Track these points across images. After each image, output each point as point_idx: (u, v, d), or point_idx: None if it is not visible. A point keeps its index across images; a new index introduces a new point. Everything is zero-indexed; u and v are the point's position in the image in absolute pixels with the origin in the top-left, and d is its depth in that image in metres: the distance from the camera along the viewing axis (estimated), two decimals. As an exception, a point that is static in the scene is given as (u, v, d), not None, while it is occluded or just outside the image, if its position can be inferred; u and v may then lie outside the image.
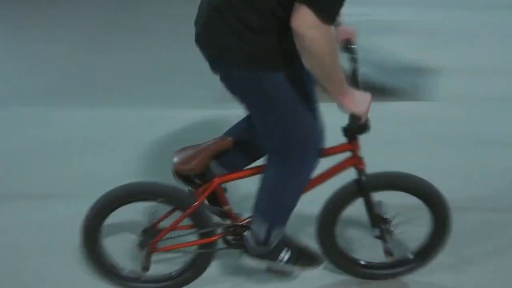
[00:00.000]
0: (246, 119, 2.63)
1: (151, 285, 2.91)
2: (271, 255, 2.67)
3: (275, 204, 2.49)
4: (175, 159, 2.57)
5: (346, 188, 2.65)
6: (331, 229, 2.77)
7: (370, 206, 2.65)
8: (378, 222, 2.69)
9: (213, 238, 2.75)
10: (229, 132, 2.66)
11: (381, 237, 2.71)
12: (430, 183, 2.65)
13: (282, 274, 2.76)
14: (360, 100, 2.18)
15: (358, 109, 2.18)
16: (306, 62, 1.99)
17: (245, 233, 2.69)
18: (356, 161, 2.53)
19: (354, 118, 2.21)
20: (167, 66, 6.61)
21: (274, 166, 2.41)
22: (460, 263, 3.10)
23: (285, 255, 2.70)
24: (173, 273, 2.93)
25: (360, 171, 2.55)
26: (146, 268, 2.76)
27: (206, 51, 2.26)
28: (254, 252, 2.65)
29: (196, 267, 2.87)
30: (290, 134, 2.31)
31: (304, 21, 1.85)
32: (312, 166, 2.44)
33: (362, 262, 2.97)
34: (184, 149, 2.60)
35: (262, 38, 2.08)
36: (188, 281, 2.91)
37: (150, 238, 2.76)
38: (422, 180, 2.65)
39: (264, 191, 2.48)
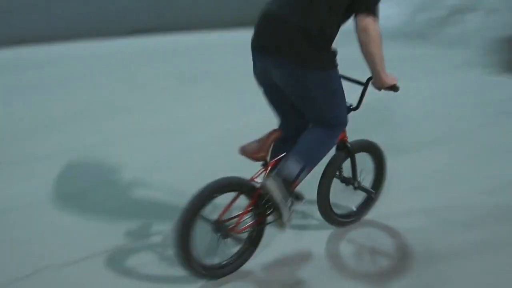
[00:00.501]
0: (284, 121, 3.68)
1: (227, 269, 3.58)
2: (287, 194, 3.42)
3: (313, 153, 3.47)
4: (245, 147, 3.41)
5: (339, 154, 3.88)
6: (328, 186, 3.90)
7: (354, 164, 3.96)
8: (356, 176, 3.98)
9: (267, 213, 3.56)
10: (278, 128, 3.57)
11: (357, 186, 4.03)
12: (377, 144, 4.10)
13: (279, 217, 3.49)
14: (392, 75, 3.44)
15: (394, 80, 3.45)
16: (367, 48, 3.21)
17: (279, 166, 3.48)
18: (344, 135, 3.80)
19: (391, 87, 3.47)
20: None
21: (319, 131, 3.48)
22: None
23: (290, 201, 3.49)
24: (234, 255, 3.63)
25: (346, 141, 3.84)
26: (240, 241, 3.55)
27: (282, 59, 3.23)
28: (281, 184, 3.37)
29: (253, 242, 3.62)
30: (338, 113, 3.47)
31: (370, 21, 3.15)
32: (339, 135, 3.61)
33: (338, 213, 4.10)
34: (249, 143, 3.41)
35: (329, 45, 3.23)
36: (251, 254, 3.65)
37: (226, 226, 3.42)
38: (373, 143, 4.09)
39: (308, 142, 3.47)
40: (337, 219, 4.10)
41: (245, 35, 4.06)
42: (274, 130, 3.44)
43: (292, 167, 3.40)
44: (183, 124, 6.70)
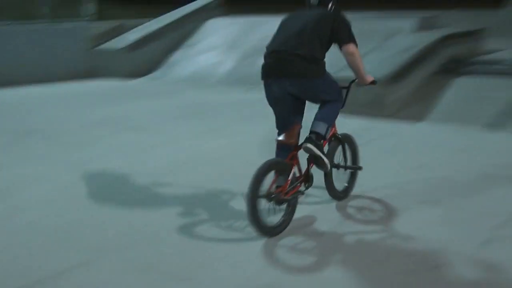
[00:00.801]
0: (299, 118, 5.09)
1: (281, 227, 4.84)
2: (321, 148, 4.97)
3: (332, 116, 5.11)
4: (281, 138, 4.93)
5: (332, 144, 5.39)
6: (331, 171, 5.38)
7: (344, 150, 5.58)
8: (346, 159, 5.60)
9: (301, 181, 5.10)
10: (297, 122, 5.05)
11: (347, 167, 5.61)
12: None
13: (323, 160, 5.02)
14: (370, 76, 5.21)
15: (372, 78, 5.24)
16: (354, 63, 4.97)
17: (311, 134, 4.97)
18: (335, 130, 5.41)
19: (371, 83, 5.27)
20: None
21: (332, 104, 5.08)
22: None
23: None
24: (283, 216, 4.90)
25: (337, 133, 5.43)
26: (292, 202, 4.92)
27: (295, 78, 4.88)
28: (314, 142, 4.90)
29: (293, 206, 4.96)
30: (335, 93, 5.11)
31: (353, 47, 4.89)
32: (340, 105, 5.21)
33: (339, 190, 5.61)
34: (284, 132, 4.94)
35: (322, 62, 4.95)
36: (292, 215, 4.95)
37: (278, 194, 4.71)
38: (349, 134, 5.73)
39: (327, 111, 5.04)
40: (339, 195, 5.61)
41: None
42: (296, 124, 5.00)
43: (322, 127, 4.97)
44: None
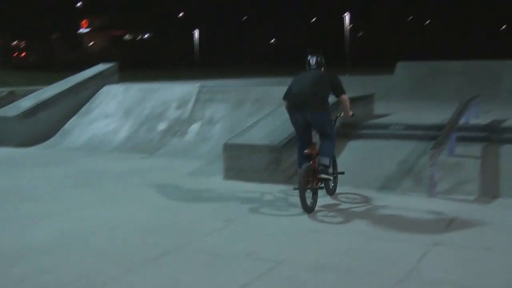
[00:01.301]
0: (308, 142, 7.84)
1: (314, 207, 7.55)
2: (329, 171, 7.76)
3: (331, 151, 7.85)
4: (307, 151, 7.67)
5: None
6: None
7: (334, 164, 8.39)
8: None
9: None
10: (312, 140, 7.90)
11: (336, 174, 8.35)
12: None
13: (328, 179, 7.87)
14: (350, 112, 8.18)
15: (352, 112, 8.19)
16: (346, 106, 8.01)
17: (320, 166, 7.69)
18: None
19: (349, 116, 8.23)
20: None
21: (330, 141, 7.80)
22: None
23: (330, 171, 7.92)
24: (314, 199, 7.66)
25: None
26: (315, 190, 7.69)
27: (310, 110, 7.64)
28: (324, 171, 7.64)
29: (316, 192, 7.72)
30: (333, 130, 7.92)
31: (345, 97, 7.98)
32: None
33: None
34: (308, 148, 7.70)
35: (326, 102, 7.81)
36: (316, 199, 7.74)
37: (312, 182, 7.57)
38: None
39: (327, 148, 7.76)
40: (332, 192, 8.28)
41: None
42: (313, 142, 7.88)
43: (327, 160, 7.73)
44: None
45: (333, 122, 8.09)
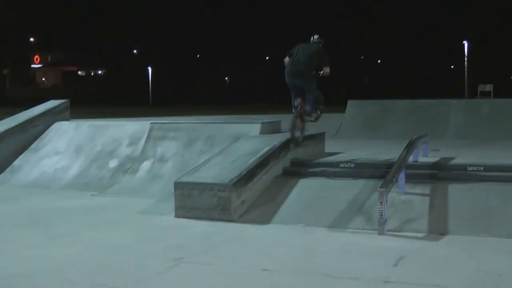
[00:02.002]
0: (301, 94, 11.22)
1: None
2: (314, 111, 11.42)
3: (311, 101, 11.20)
4: (298, 101, 11.20)
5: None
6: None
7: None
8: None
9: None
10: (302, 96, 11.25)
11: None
12: None
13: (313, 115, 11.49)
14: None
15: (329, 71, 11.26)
16: (327, 73, 11.15)
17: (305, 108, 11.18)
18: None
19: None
20: None
21: (312, 95, 11.21)
22: None
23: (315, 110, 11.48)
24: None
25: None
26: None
27: (299, 78, 11.02)
28: (309, 112, 11.24)
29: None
30: (317, 91, 11.39)
31: (328, 68, 11.13)
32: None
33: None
34: (297, 101, 11.20)
35: (314, 74, 11.24)
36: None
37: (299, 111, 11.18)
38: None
39: (309, 99, 11.15)
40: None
41: None
42: (301, 100, 11.11)
43: (309, 107, 11.14)
44: None
45: (315, 82, 11.34)
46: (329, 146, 13.14)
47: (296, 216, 9.13)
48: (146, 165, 12.62)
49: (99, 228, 8.89)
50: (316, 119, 11.68)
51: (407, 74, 75.94)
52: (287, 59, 11.27)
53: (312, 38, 11.34)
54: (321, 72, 11.20)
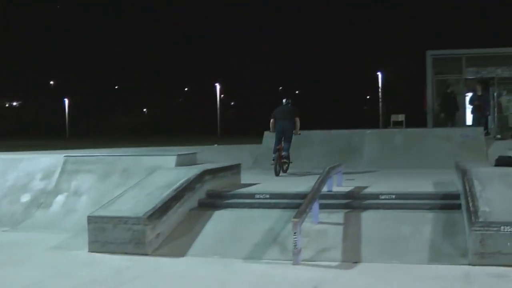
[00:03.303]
0: (281, 141, 15.63)
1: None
2: (287, 158, 15.66)
3: (288, 148, 15.61)
4: (278, 147, 15.48)
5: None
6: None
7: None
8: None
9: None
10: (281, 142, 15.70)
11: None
12: None
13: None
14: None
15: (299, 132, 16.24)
16: (298, 127, 15.96)
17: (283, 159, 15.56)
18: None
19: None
20: None
21: (289, 143, 15.68)
22: None
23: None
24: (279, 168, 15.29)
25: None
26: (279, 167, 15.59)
27: (285, 127, 15.67)
28: (284, 158, 15.54)
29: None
30: (292, 139, 15.88)
31: (298, 122, 15.97)
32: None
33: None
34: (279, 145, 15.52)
35: (294, 125, 15.94)
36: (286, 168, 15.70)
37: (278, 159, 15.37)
38: None
39: (287, 147, 15.55)
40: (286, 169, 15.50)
41: None
42: (280, 145, 15.47)
43: (287, 153, 15.54)
44: None
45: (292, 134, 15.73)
46: (246, 177, 13.20)
47: (212, 248, 9.10)
48: (60, 199, 12.35)
49: (10, 266, 8.62)
50: (286, 168, 15.84)
51: (324, 104, 77.39)
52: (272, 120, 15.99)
53: (284, 100, 16.30)
54: (294, 131, 15.90)
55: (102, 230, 9.32)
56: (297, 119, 15.75)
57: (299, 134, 16.00)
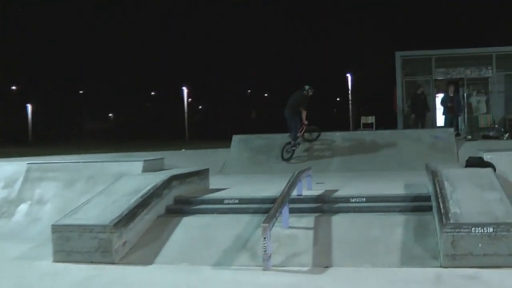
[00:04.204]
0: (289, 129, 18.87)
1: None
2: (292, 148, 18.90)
3: (294, 136, 18.79)
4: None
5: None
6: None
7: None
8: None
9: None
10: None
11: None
12: None
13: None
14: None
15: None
16: (304, 115, 18.78)
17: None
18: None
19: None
20: None
21: (292, 130, 18.56)
22: None
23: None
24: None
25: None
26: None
27: (288, 112, 18.64)
28: (289, 148, 18.90)
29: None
30: (298, 126, 18.80)
31: (305, 112, 18.78)
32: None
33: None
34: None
35: (299, 112, 18.79)
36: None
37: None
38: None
39: (293, 134, 18.61)
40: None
41: None
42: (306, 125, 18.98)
43: (291, 142, 18.76)
44: None
45: (299, 123, 18.33)
46: (214, 182, 13.18)
47: (180, 255, 9.06)
48: (23, 208, 12.21)
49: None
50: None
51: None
52: None
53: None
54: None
55: (67, 239, 9.22)
56: (302, 109, 18.25)
57: (306, 124, 18.55)
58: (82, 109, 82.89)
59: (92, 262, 8.95)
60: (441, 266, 8.15)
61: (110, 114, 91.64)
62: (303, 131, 18.90)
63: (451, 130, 20.25)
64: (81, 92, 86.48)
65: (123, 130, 76.50)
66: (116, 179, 11.46)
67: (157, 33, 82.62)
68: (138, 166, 12.40)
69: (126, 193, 10.34)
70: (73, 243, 9.18)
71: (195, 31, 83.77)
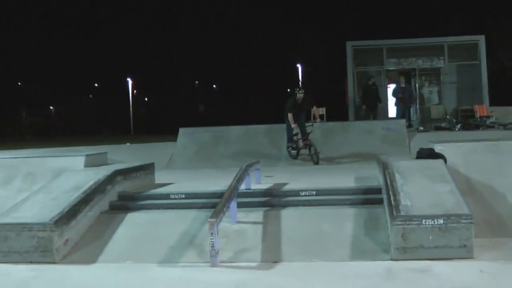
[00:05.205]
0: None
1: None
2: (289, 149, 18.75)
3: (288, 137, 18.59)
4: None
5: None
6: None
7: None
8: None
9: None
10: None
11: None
12: None
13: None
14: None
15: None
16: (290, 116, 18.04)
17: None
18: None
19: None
20: None
21: (288, 132, 18.38)
22: None
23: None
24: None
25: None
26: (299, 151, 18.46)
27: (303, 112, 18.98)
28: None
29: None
30: (289, 127, 18.23)
31: (290, 114, 17.93)
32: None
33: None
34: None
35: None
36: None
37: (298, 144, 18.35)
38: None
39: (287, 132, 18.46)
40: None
41: None
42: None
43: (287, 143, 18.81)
44: None
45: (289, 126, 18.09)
46: (160, 177, 13.14)
47: (125, 253, 9.02)
48: None
49: None
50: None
51: (243, 99, 77.61)
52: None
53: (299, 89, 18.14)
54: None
55: (5, 239, 9.08)
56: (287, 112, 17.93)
57: (293, 127, 17.92)
58: (20, 102, 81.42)
59: (31, 262, 8.84)
60: (392, 259, 8.29)
61: (51, 107, 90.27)
62: (297, 136, 18.13)
63: (403, 121, 20.56)
64: (19, 83, 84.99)
65: (65, 123, 75.60)
66: (57, 175, 11.32)
67: (100, 20, 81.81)
68: (79, 161, 12.24)
69: (67, 189, 10.23)
70: (11, 242, 9.05)
71: (141, 19, 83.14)
